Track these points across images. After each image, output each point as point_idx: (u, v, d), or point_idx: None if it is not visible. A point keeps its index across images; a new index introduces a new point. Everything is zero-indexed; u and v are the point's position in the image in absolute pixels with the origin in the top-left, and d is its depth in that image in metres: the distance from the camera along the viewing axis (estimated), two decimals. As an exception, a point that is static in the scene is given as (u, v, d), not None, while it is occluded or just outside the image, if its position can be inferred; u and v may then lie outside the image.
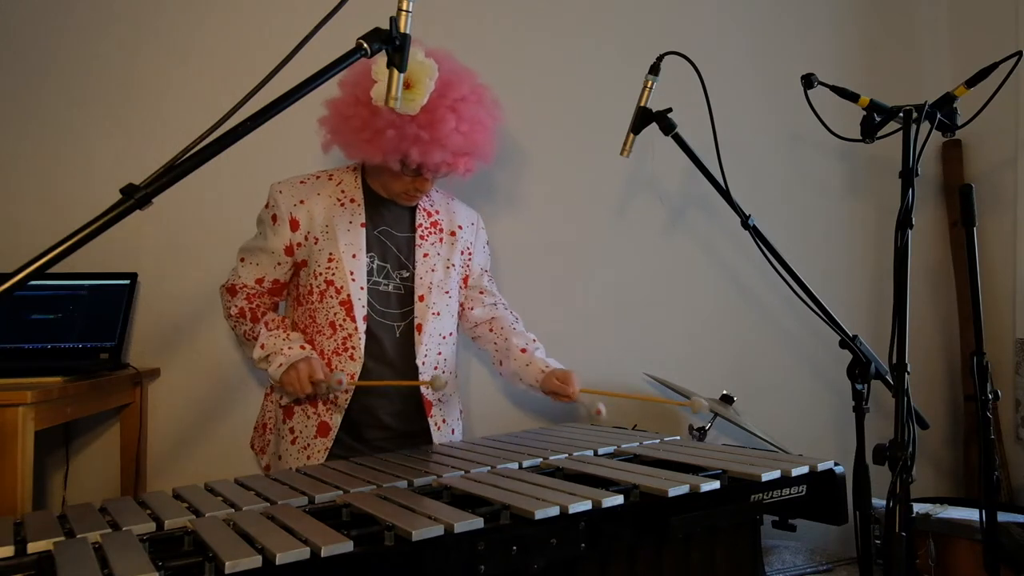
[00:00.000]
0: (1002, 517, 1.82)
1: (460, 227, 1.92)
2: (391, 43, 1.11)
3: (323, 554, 0.96)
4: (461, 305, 1.96)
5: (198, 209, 2.19)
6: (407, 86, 1.55)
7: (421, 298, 1.82)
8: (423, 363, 1.81)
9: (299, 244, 1.77)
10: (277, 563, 0.93)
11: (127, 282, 2.11)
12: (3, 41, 2.16)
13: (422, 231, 1.85)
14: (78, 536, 1.06)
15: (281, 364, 1.69)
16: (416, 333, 1.81)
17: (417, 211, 1.86)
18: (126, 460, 2.10)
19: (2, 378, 1.66)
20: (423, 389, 1.82)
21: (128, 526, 1.09)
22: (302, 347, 1.73)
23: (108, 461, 2.14)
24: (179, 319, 2.20)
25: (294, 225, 1.75)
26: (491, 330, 2.01)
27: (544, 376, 1.83)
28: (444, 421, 1.89)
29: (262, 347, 1.73)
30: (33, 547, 1.02)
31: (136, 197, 0.92)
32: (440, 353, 1.86)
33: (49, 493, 2.12)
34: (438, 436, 1.86)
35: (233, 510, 1.18)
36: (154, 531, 1.10)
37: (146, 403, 2.15)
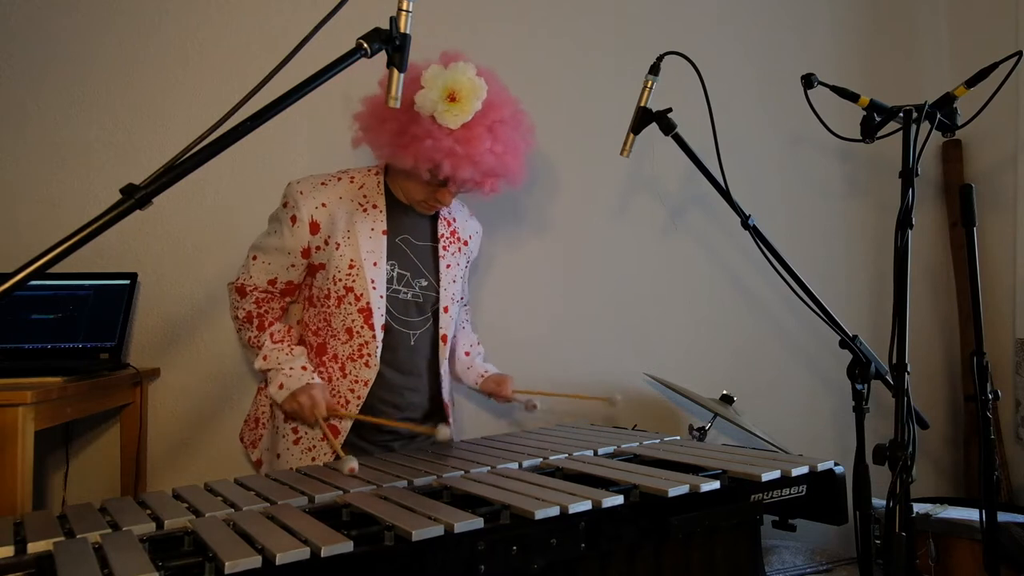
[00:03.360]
0: (1002, 517, 1.82)
1: (471, 237, 1.96)
2: (391, 43, 1.11)
3: (323, 554, 0.96)
4: None
5: (198, 209, 2.19)
6: (453, 99, 1.58)
7: (446, 309, 1.84)
8: (443, 370, 1.86)
9: (318, 248, 1.75)
10: (277, 563, 0.93)
11: (127, 282, 2.10)
12: (3, 41, 2.16)
13: (444, 241, 1.86)
14: (78, 536, 1.06)
15: (282, 386, 1.69)
16: (441, 344, 1.84)
17: (439, 220, 1.86)
18: (126, 460, 2.10)
19: (2, 378, 1.66)
20: (444, 394, 1.86)
21: (128, 526, 1.09)
22: (304, 368, 1.72)
23: (108, 461, 2.14)
24: (179, 319, 2.19)
25: (314, 228, 1.73)
26: None
27: (483, 380, 2.01)
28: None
29: (264, 359, 1.74)
30: (33, 547, 1.02)
31: (136, 197, 0.92)
32: (447, 359, 1.91)
33: (49, 493, 2.12)
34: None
35: (233, 510, 1.18)
36: (154, 531, 1.10)
37: (146, 403, 2.15)
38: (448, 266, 1.85)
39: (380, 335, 1.74)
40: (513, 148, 1.71)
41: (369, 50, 1.09)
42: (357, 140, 1.74)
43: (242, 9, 2.26)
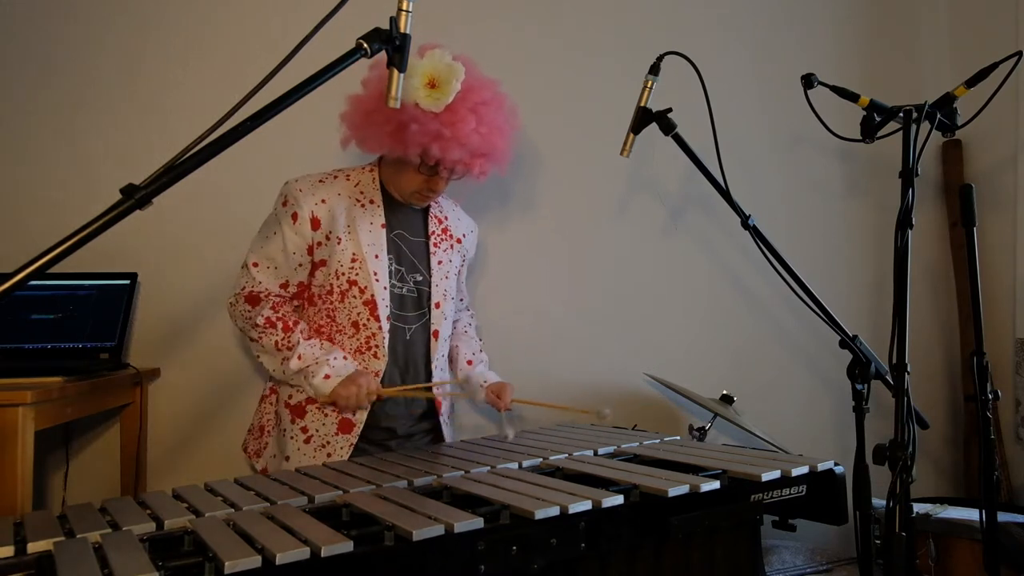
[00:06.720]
0: (1002, 517, 1.82)
1: (464, 235, 1.97)
2: (391, 43, 1.12)
3: (323, 554, 0.96)
4: None
5: (198, 209, 2.19)
6: (433, 86, 1.64)
7: (438, 305, 1.85)
8: (436, 367, 1.86)
9: (320, 243, 1.76)
10: (277, 563, 0.93)
11: (127, 282, 2.10)
12: (3, 41, 2.16)
13: (435, 238, 1.88)
14: (78, 536, 1.06)
15: (328, 376, 1.68)
16: (433, 339, 1.85)
17: (429, 217, 1.88)
18: (126, 460, 2.10)
19: (2, 378, 1.66)
20: (435, 389, 1.86)
21: (128, 526, 1.09)
22: (344, 357, 1.73)
23: (108, 461, 2.13)
24: (179, 319, 2.19)
25: (315, 224, 1.74)
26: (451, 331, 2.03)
27: (483, 389, 1.91)
28: (447, 421, 1.92)
29: (299, 358, 1.70)
30: (33, 547, 1.02)
31: (136, 197, 0.92)
32: (443, 355, 1.91)
33: (49, 493, 2.12)
34: (448, 435, 1.89)
35: (233, 510, 1.18)
36: (154, 531, 1.10)
37: (146, 403, 2.15)
38: (440, 262, 1.87)
39: (387, 326, 1.76)
40: (498, 128, 1.74)
41: (369, 50, 1.09)
42: (345, 139, 1.77)
43: (242, 9, 2.26)
